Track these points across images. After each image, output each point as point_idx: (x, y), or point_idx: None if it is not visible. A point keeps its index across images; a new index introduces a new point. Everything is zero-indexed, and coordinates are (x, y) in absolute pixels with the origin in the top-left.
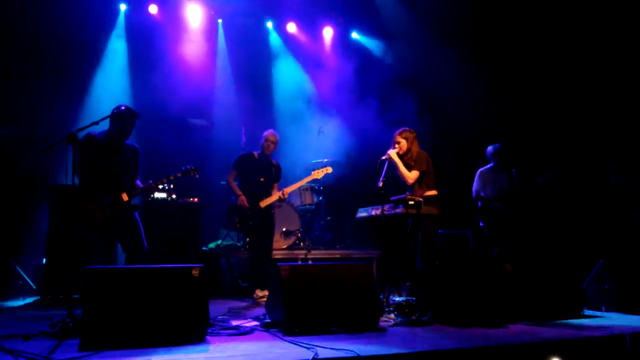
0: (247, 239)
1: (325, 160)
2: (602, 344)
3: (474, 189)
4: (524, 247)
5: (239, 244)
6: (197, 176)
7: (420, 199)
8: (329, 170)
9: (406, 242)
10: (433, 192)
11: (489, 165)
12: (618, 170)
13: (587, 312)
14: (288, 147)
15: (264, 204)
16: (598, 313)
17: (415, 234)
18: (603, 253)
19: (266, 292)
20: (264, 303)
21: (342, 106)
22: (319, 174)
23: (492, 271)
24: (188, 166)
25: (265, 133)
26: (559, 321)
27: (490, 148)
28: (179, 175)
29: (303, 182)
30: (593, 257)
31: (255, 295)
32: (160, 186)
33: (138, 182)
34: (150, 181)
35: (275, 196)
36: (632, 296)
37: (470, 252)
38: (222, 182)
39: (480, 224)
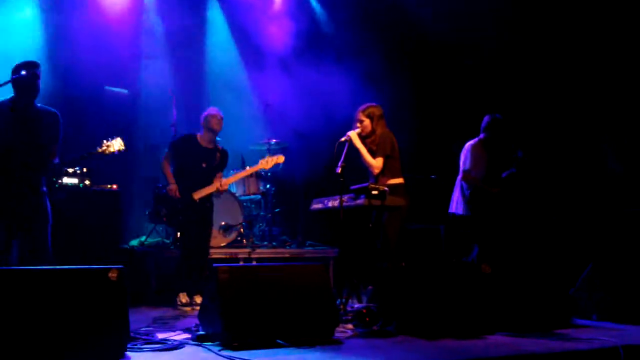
0: (178, 234)
1: (274, 141)
2: (593, 357)
3: (463, 167)
4: (507, 245)
5: (167, 241)
6: (125, 150)
7: (386, 189)
8: (281, 159)
9: (368, 238)
10: (399, 180)
11: (477, 139)
12: (615, 155)
13: (577, 321)
14: (226, 126)
15: (197, 195)
16: (589, 322)
17: (379, 229)
18: (595, 254)
19: (198, 299)
20: (190, 311)
21: (294, 76)
22: (267, 164)
23: (468, 273)
24: (110, 139)
25: (209, 111)
26: (544, 332)
27: (487, 117)
28: (99, 151)
29: (247, 172)
30: (584, 258)
31: (178, 301)
32: (71, 169)
33: (56, 160)
34: (57, 160)
35: (211, 187)
36: (628, 303)
37: (442, 250)
38: (150, 166)
39: (458, 213)
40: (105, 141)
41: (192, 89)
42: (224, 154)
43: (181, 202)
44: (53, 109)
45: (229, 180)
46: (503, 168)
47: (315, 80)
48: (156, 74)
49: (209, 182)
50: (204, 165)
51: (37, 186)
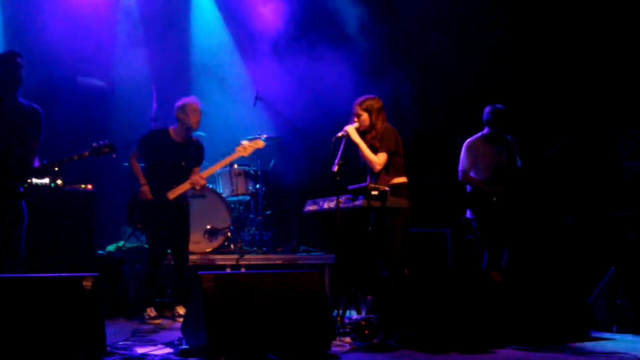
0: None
1: (264, 136)
2: None
3: (460, 167)
4: (517, 250)
5: (147, 246)
6: (114, 156)
7: (386, 189)
8: (260, 144)
9: (368, 243)
10: (402, 179)
11: (479, 134)
12: (637, 154)
13: (595, 333)
14: (213, 121)
15: (172, 194)
16: (608, 335)
17: (380, 234)
18: (615, 260)
19: (181, 310)
20: (160, 324)
21: (287, 64)
22: (245, 150)
23: (476, 282)
24: (101, 142)
25: (187, 101)
26: (558, 345)
27: (488, 109)
28: (87, 154)
29: (224, 163)
30: (602, 264)
31: (145, 316)
32: (57, 168)
33: (37, 160)
34: (45, 161)
35: (187, 184)
36: None
37: (448, 257)
38: (126, 164)
39: (467, 216)
40: (95, 145)
41: (174, 79)
42: (199, 147)
43: (154, 204)
44: (36, 105)
45: (207, 174)
46: (512, 164)
47: (311, 69)
48: (135, 63)
49: (184, 179)
50: (183, 163)
51: (16, 186)
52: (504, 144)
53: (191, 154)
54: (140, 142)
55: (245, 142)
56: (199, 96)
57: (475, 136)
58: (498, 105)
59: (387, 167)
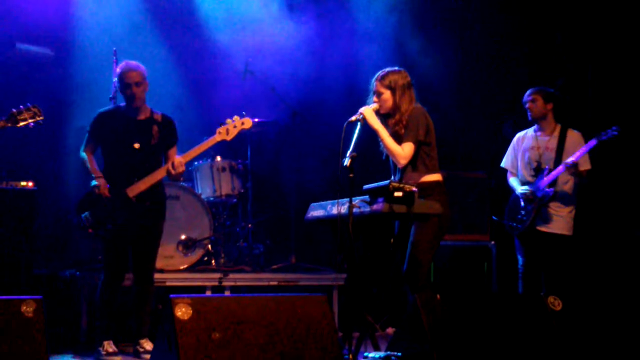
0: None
1: (256, 120)
2: None
3: (504, 164)
4: (575, 269)
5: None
6: (40, 123)
7: (414, 189)
8: (247, 124)
9: (388, 259)
10: (435, 177)
11: (533, 127)
12: None
13: None
14: (189, 99)
15: (133, 191)
16: None
17: (404, 246)
18: None
19: (147, 345)
20: None
21: (287, 26)
22: (229, 133)
23: (529, 311)
24: (21, 107)
25: (122, 69)
26: None
27: (529, 92)
28: (1, 124)
29: (202, 147)
30: None
31: (102, 351)
32: None
33: None
34: None
35: (157, 174)
36: None
37: (493, 277)
38: (78, 157)
39: (505, 225)
40: (14, 110)
41: (140, 45)
42: (167, 123)
43: (110, 202)
44: None
45: (185, 158)
46: (558, 162)
47: (318, 31)
48: (93, 26)
49: (151, 169)
50: (136, 146)
51: None
52: (561, 137)
53: (153, 133)
54: (90, 131)
55: (228, 122)
56: (171, 69)
57: (528, 129)
58: (540, 88)
59: (415, 161)
